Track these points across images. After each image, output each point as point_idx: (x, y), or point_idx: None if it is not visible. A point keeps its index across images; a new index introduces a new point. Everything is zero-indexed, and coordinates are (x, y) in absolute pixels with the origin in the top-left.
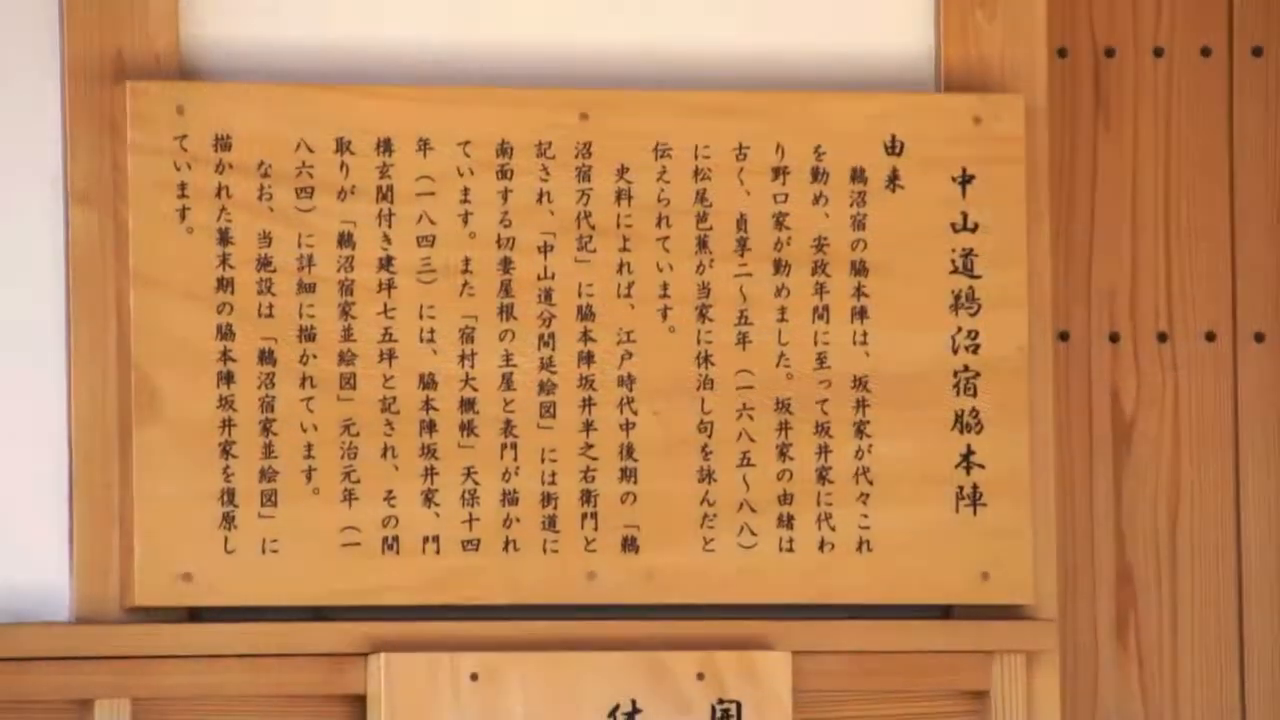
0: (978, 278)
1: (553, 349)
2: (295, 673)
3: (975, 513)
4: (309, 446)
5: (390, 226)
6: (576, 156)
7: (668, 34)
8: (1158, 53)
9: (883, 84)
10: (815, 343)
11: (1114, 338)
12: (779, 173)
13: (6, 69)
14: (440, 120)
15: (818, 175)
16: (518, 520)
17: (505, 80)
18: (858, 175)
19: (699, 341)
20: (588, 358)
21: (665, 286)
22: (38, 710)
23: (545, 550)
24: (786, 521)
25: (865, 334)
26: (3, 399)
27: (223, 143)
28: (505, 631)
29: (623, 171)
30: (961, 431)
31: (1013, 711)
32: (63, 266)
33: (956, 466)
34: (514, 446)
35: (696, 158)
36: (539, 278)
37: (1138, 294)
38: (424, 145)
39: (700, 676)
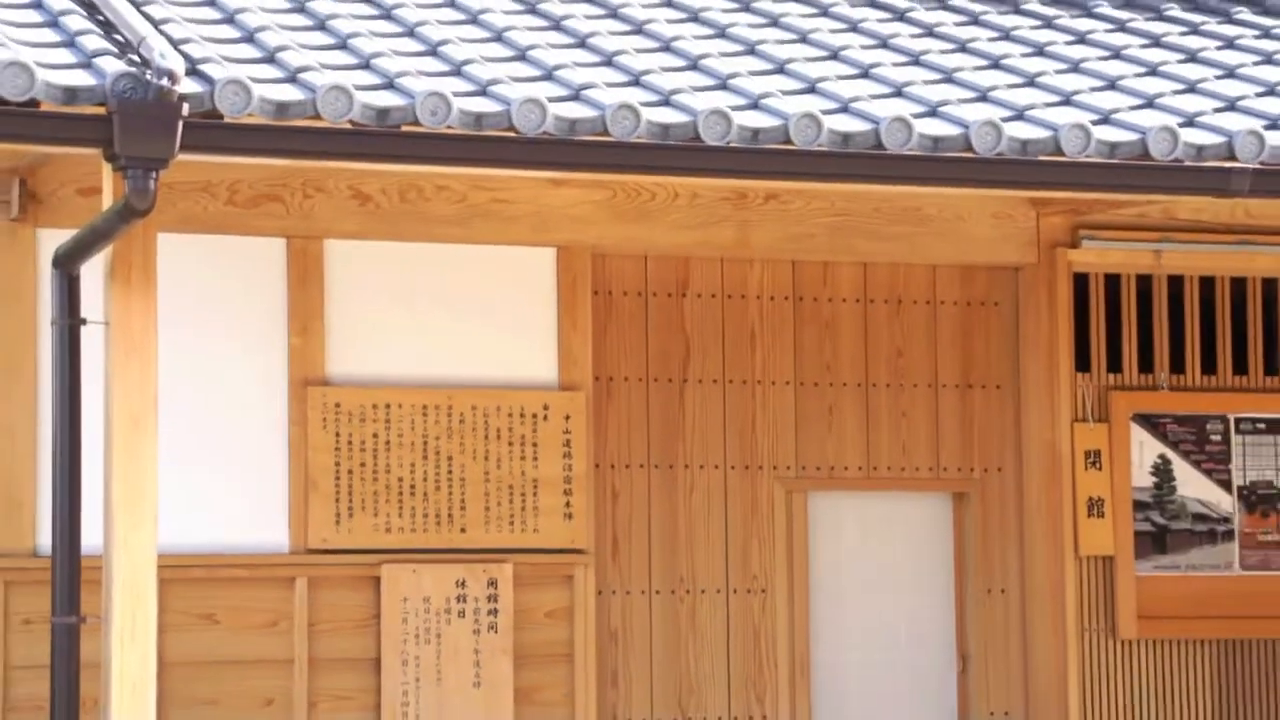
0: (572, 446)
1: (445, 469)
2: (357, 569)
3: (570, 521)
4: (366, 497)
5: (403, 431)
6: (447, 410)
7: (478, 370)
8: (625, 379)
9: (539, 387)
10: (522, 471)
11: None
12: (510, 417)
13: (269, 380)
14: (417, 401)
15: (522, 418)
16: (435, 522)
17: (428, 386)
18: (533, 418)
19: (484, 468)
20: (450, 471)
21: (474, 450)
22: (277, 583)
23: (442, 530)
24: (511, 524)
25: (536, 461)
26: (261, 484)
27: (340, 407)
28: (428, 557)
29: (460, 416)
30: (566, 497)
31: (581, 587)
32: (286, 443)
33: (562, 514)
34: (433, 498)
35: (483, 413)
36: (439, 449)
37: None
38: (412, 408)
39: (484, 571)
